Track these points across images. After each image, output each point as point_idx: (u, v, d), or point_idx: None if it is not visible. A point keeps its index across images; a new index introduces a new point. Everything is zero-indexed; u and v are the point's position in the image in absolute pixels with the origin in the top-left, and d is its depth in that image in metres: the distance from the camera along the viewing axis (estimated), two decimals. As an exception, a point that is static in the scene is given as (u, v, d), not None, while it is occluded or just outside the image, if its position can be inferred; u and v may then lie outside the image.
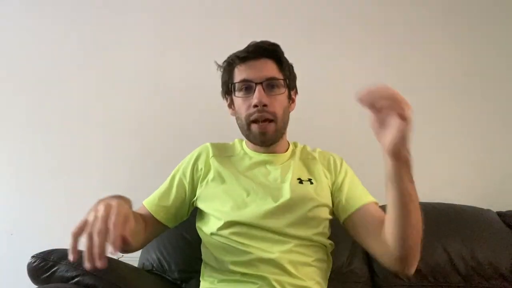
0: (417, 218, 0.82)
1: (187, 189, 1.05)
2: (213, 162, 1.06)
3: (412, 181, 0.78)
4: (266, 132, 0.98)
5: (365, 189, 1.06)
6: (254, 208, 0.95)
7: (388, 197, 0.81)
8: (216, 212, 0.98)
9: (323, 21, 1.71)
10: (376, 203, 1.01)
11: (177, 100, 1.67)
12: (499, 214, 1.43)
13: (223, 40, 1.66)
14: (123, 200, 0.77)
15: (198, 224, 1.06)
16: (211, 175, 1.03)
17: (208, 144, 1.14)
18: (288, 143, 1.13)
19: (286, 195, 0.97)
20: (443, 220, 1.35)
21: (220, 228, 0.96)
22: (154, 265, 1.26)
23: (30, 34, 1.68)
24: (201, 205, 1.03)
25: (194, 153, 1.12)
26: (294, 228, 0.95)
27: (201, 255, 1.27)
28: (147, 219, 1.02)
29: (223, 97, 1.11)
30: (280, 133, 1.03)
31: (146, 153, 1.64)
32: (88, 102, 1.66)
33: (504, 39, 1.71)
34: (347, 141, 1.61)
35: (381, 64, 1.69)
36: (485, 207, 1.45)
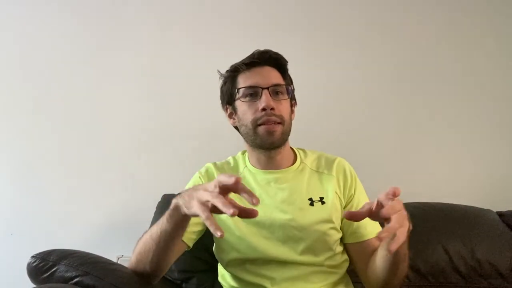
0: (403, 270, 0.87)
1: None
2: None
3: (406, 247, 0.81)
4: (274, 132, 0.96)
5: None
6: (263, 241, 0.95)
7: (380, 255, 0.88)
8: (226, 244, 0.99)
9: (322, 23, 1.71)
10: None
11: (178, 101, 1.67)
12: (499, 214, 1.43)
13: (223, 42, 1.66)
14: None
15: (214, 249, 1.07)
16: None
17: (210, 165, 1.10)
18: (294, 153, 1.10)
19: (295, 221, 0.95)
20: (443, 220, 1.35)
21: (230, 261, 1.00)
22: (154, 265, 1.26)
23: (35, 33, 1.68)
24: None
25: (200, 175, 1.08)
26: (306, 255, 0.95)
27: (200, 255, 1.28)
28: None
29: (222, 107, 1.09)
30: (285, 136, 1.01)
31: (147, 154, 1.64)
32: (91, 103, 1.66)
33: (504, 39, 1.70)
34: (346, 143, 1.61)
35: (381, 65, 1.69)
36: (485, 207, 1.45)
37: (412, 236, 1.28)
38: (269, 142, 0.97)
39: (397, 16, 1.71)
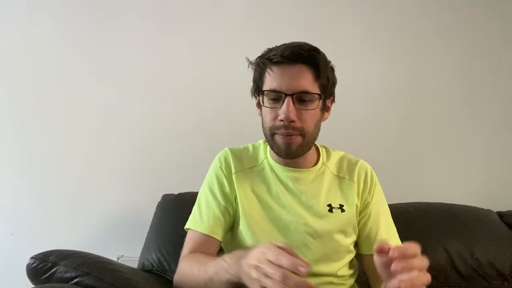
0: None
1: (232, 200, 0.96)
2: (236, 180, 0.96)
3: None
4: (291, 145, 0.89)
5: (392, 223, 0.98)
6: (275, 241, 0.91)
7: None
8: (240, 237, 0.94)
9: (324, 20, 1.70)
10: None
11: (178, 100, 1.67)
12: (499, 214, 1.43)
13: (224, 40, 1.66)
14: None
15: (226, 244, 1.00)
16: (237, 199, 0.95)
17: (227, 151, 1.02)
18: (318, 152, 1.02)
19: (311, 227, 0.90)
20: (443, 220, 1.35)
21: None
22: (154, 265, 1.26)
23: (32, 36, 1.68)
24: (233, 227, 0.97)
25: (218, 163, 1.01)
26: (316, 264, 0.89)
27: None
28: (207, 246, 0.92)
29: (252, 95, 0.98)
30: (307, 147, 0.93)
31: (147, 155, 1.64)
32: (89, 104, 1.66)
33: (505, 39, 1.70)
34: (345, 142, 1.61)
35: (384, 64, 1.69)
36: (485, 207, 1.45)
37: (413, 236, 1.30)
38: (285, 153, 0.91)
39: (402, 17, 1.71)
